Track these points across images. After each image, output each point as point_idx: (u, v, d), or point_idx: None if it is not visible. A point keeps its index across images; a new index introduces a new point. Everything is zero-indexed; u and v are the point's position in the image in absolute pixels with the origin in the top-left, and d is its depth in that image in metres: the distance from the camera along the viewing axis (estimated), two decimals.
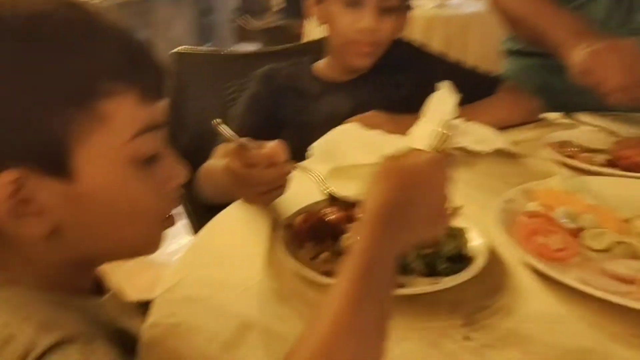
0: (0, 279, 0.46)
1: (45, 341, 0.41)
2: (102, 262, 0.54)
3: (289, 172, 0.74)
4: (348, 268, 0.44)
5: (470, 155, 0.97)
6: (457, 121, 0.98)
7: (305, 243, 0.66)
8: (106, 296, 0.55)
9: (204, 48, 1.46)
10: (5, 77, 0.43)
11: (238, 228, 0.76)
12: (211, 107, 1.39)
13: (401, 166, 0.54)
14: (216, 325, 0.55)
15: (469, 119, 1.04)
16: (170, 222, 0.53)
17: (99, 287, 0.56)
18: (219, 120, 0.74)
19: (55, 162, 0.44)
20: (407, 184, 0.52)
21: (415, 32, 3.15)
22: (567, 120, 1.13)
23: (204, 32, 6.80)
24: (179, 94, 1.41)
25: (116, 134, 0.46)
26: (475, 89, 1.16)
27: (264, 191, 0.74)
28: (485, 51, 3.06)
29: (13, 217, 0.44)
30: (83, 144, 0.45)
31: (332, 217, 0.69)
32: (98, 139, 0.45)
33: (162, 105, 0.50)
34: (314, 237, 0.66)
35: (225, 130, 0.72)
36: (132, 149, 0.47)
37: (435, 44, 3.15)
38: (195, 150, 1.17)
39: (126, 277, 0.74)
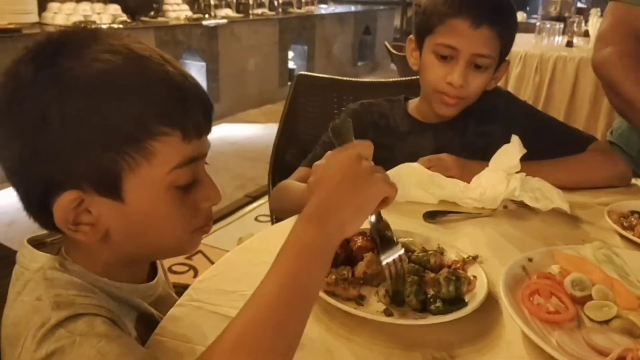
0: (69, 261, 0.62)
1: (56, 317, 0.54)
2: (146, 260, 0.71)
3: None
4: (278, 265, 0.52)
5: (526, 211, 1.00)
6: (520, 175, 1.01)
7: None
8: (153, 281, 0.71)
9: (321, 75, 1.60)
10: (80, 120, 0.55)
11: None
12: (318, 128, 1.56)
13: (320, 174, 0.61)
14: (232, 315, 0.68)
15: (547, 174, 1.06)
16: (205, 230, 0.67)
17: (155, 271, 0.73)
18: None
19: (109, 186, 0.58)
20: (325, 187, 0.58)
21: (568, 71, 3.05)
22: None
23: (362, 50, 7.10)
24: (292, 113, 1.59)
25: (159, 166, 0.59)
26: (564, 144, 1.17)
27: None
28: None
29: (72, 225, 0.59)
30: (132, 174, 0.58)
31: (356, 244, 0.79)
32: (144, 171, 0.58)
33: (203, 140, 0.63)
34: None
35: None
36: (171, 178, 0.60)
37: (586, 85, 3.02)
38: (299, 164, 1.33)
39: None
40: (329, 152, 0.64)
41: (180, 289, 0.81)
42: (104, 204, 0.59)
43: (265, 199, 2.90)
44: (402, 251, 0.72)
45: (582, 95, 3.01)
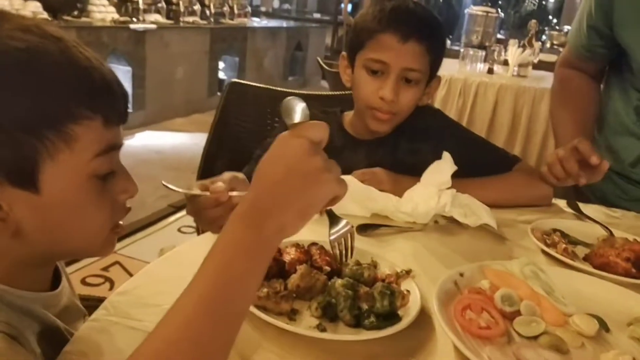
0: None
1: None
2: (59, 259, 0.65)
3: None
4: (204, 270, 0.47)
5: (456, 226, 1.01)
6: (451, 191, 1.02)
7: None
8: (58, 289, 0.64)
9: (254, 84, 1.57)
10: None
11: None
12: (250, 139, 1.52)
13: (261, 166, 0.53)
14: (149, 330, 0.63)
15: (476, 191, 1.08)
16: (120, 230, 0.62)
17: (57, 279, 0.66)
18: (164, 183, 0.79)
19: (24, 176, 0.52)
20: (262, 174, 0.52)
21: (489, 97, 3.20)
22: (570, 210, 1.14)
23: (293, 65, 7.13)
24: (223, 121, 1.55)
25: (80, 153, 0.54)
26: (492, 164, 1.20)
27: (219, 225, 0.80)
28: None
29: None
30: (51, 161, 0.53)
31: (289, 257, 0.76)
32: (64, 157, 0.53)
33: (120, 129, 0.59)
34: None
35: (173, 187, 0.77)
36: (93, 167, 0.56)
37: (505, 111, 3.18)
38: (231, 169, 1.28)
39: None
40: (280, 134, 0.54)
41: (95, 302, 0.74)
42: (16, 195, 0.53)
43: None
44: (349, 226, 0.69)
45: (501, 121, 3.17)
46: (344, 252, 0.67)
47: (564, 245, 0.93)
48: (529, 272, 0.79)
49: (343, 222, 0.66)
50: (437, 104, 3.25)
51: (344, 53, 1.21)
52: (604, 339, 0.70)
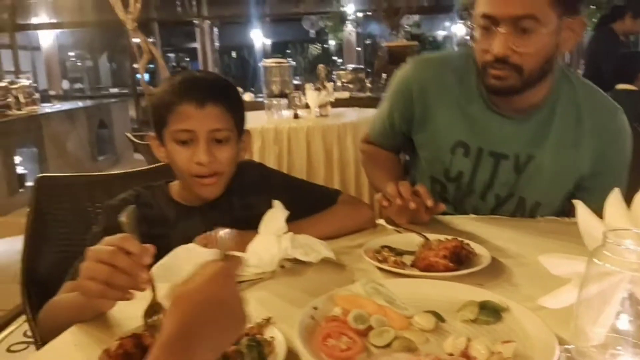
0: None
1: None
2: None
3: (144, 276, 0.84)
4: None
5: (301, 266, 1.08)
6: (289, 235, 1.10)
7: None
8: None
9: (64, 174, 1.50)
10: None
11: (70, 354, 0.80)
12: (71, 228, 1.44)
13: (187, 290, 0.60)
14: None
15: (310, 230, 1.17)
16: None
17: None
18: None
19: None
20: (193, 307, 0.57)
21: (300, 140, 3.42)
22: (390, 227, 1.29)
23: (101, 145, 6.80)
24: (40, 219, 1.44)
25: None
26: (318, 202, 1.31)
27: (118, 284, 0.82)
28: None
29: None
30: None
31: (148, 342, 0.75)
32: None
33: None
34: None
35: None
36: None
37: (317, 150, 3.42)
38: (59, 274, 1.19)
39: None
40: (214, 265, 0.64)
41: None
42: None
43: (16, 323, 2.51)
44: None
45: (316, 157, 3.41)
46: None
47: (393, 258, 1.05)
48: (371, 290, 0.88)
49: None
50: (255, 156, 3.38)
51: (151, 134, 1.23)
52: (442, 329, 0.82)
